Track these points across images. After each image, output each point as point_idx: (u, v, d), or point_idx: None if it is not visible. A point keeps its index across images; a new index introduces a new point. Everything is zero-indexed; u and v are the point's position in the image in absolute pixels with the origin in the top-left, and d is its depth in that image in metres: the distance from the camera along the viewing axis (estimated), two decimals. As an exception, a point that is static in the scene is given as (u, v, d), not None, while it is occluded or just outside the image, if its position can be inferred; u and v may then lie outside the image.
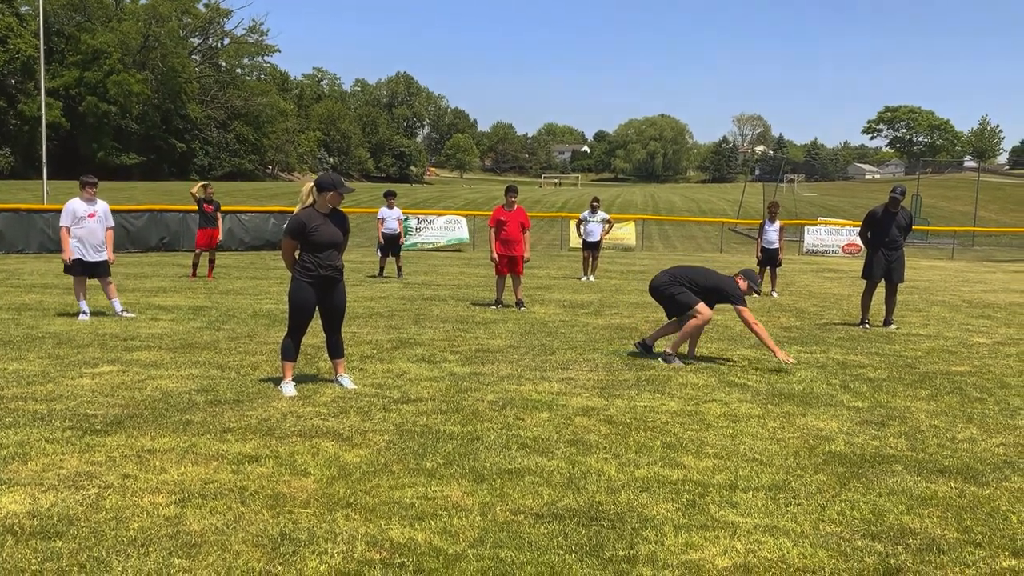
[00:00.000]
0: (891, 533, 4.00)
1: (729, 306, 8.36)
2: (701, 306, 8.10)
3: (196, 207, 15.96)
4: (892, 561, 3.69)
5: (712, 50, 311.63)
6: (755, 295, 8.55)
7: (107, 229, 10.34)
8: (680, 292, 8.18)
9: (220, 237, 15.99)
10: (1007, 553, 3.81)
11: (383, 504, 4.20)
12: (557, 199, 59.87)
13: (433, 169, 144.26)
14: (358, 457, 4.93)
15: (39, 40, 28.85)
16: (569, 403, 6.39)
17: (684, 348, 8.34)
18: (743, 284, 8.30)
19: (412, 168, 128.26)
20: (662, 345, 8.43)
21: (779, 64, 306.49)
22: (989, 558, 3.75)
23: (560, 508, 4.21)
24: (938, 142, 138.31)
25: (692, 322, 8.11)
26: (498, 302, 12.15)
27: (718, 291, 8.15)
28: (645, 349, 8.49)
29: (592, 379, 7.29)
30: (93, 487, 4.34)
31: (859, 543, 3.88)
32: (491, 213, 12.36)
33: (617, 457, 5.07)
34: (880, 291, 11.27)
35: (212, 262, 15.80)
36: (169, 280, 15.01)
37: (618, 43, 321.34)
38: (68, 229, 10.08)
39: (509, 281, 12.23)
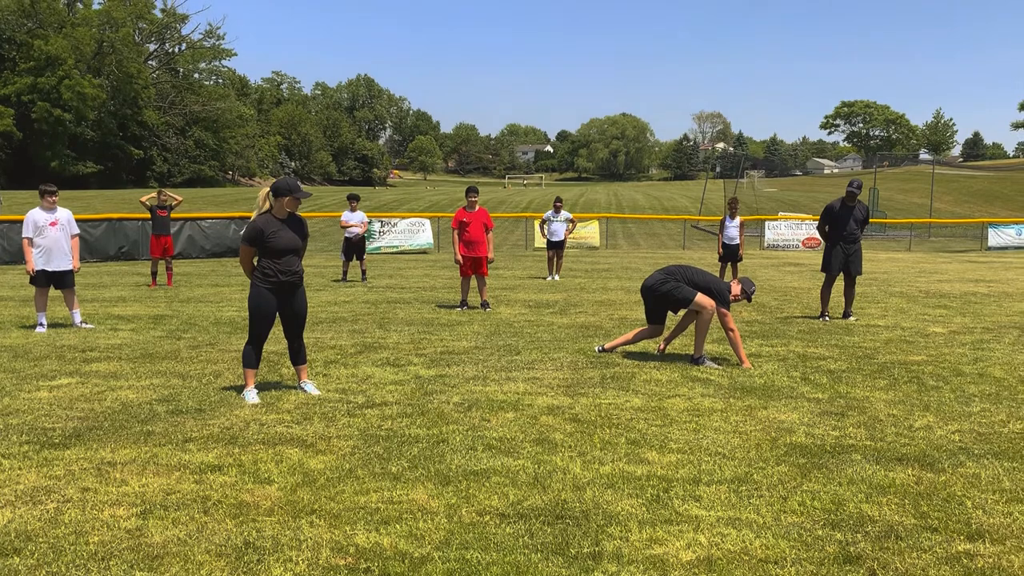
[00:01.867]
0: (851, 522, 4.08)
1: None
2: (700, 297, 8.05)
3: (149, 215, 15.76)
4: (852, 549, 3.75)
5: (671, 48, 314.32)
6: (745, 301, 8.60)
7: (72, 237, 10.17)
8: (678, 287, 8.15)
9: (173, 249, 15.78)
10: (962, 537, 3.89)
11: (348, 510, 4.18)
12: (521, 199, 59.97)
13: (396, 172, 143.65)
14: (322, 463, 4.91)
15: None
16: (535, 403, 6.41)
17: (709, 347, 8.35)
18: (736, 288, 8.33)
19: (375, 171, 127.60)
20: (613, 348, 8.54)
21: (738, 61, 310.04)
22: (945, 543, 3.83)
23: (526, 507, 4.22)
24: (894, 136, 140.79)
25: (701, 318, 8.06)
26: (463, 303, 12.14)
27: (708, 291, 8.12)
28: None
29: (557, 378, 7.32)
30: (51, 502, 4.26)
31: (820, 532, 3.94)
32: (454, 215, 12.36)
33: (582, 455, 5.10)
34: (839, 284, 11.47)
35: (169, 269, 15.61)
36: (128, 289, 14.79)
37: (578, 42, 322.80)
38: (30, 240, 9.89)
39: (474, 282, 12.23)
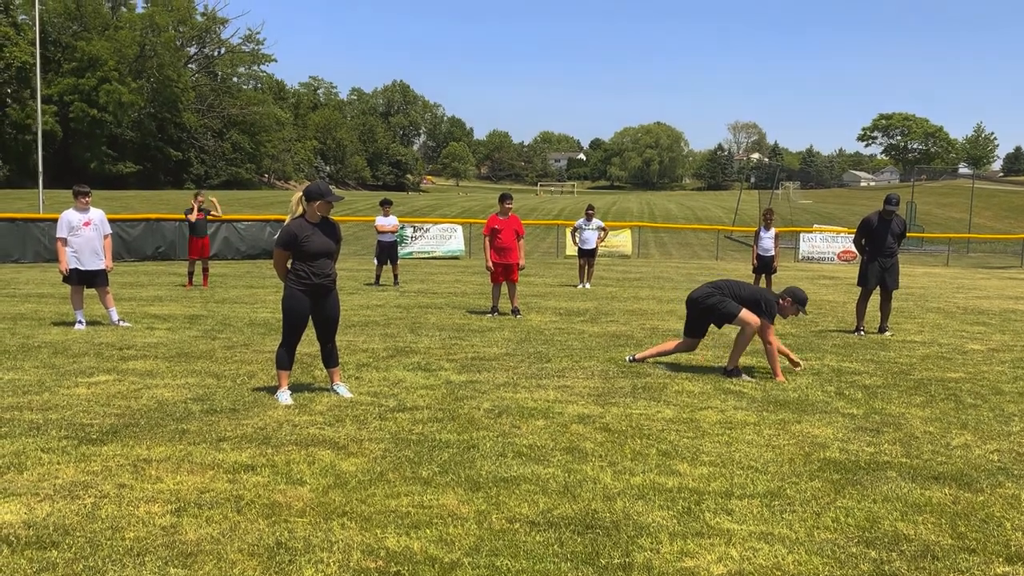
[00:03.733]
0: (886, 540, 4.01)
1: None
2: (745, 314, 7.91)
3: (184, 216, 15.97)
4: (886, 568, 3.70)
5: (707, 57, 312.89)
6: (802, 313, 8.35)
7: (105, 237, 10.35)
8: (723, 301, 8.03)
9: (211, 251, 15.94)
10: (1001, 559, 3.82)
11: (379, 513, 4.20)
12: (553, 207, 59.94)
13: (430, 177, 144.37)
14: (354, 466, 4.94)
15: (35, 48, 28.81)
16: (565, 411, 6.39)
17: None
18: (786, 303, 8.13)
19: (408, 176, 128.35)
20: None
21: (775, 72, 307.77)
22: (983, 564, 3.76)
23: (556, 516, 4.21)
24: (932, 149, 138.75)
25: (744, 333, 7.92)
26: (494, 310, 12.16)
27: (756, 303, 7.97)
28: (728, 374, 8.09)
29: (588, 387, 7.30)
30: (89, 497, 4.33)
31: (854, 550, 3.89)
32: (486, 221, 12.39)
33: (613, 465, 5.08)
34: (875, 298, 11.32)
35: (206, 271, 15.80)
36: (165, 289, 15.00)
37: (614, 51, 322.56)
38: (64, 240, 10.09)
39: (505, 289, 12.25)
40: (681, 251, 34.91)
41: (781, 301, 8.15)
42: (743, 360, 8.62)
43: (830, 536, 4.05)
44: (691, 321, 8.39)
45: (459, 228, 27.58)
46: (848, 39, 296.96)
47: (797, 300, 8.20)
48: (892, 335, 10.97)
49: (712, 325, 8.33)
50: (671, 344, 8.61)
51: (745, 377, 7.86)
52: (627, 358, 8.66)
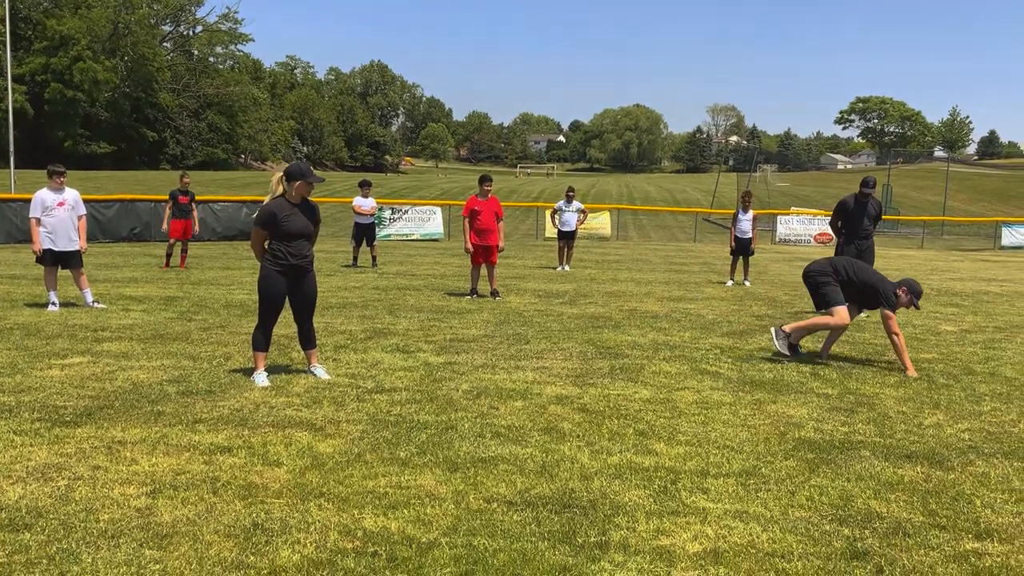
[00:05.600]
0: (859, 517, 4.07)
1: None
2: (840, 310, 7.72)
3: (168, 196, 15.82)
4: (859, 545, 3.75)
5: (686, 40, 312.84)
6: (914, 308, 8.02)
7: (79, 217, 10.20)
8: (827, 284, 7.84)
9: (197, 228, 15.86)
10: (970, 536, 3.88)
11: (356, 494, 4.20)
12: (533, 189, 59.86)
13: (408, 159, 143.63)
14: (331, 447, 4.93)
15: (5, 27, 28.25)
16: (543, 392, 6.41)
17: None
18: (902, 293, 7.78)
19: (387, 157, 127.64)
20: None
21: (753, 54, 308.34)
22: (953, 541, 3.82)
23: (533, 496, 4.23)
24: (909, 132, 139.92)
25: (824, 319, 7.90)
26: (473, 292, 12.15)
27: (873, 290, 7.74)
28: (792, 351, 8.08)
29: (566, 368, 7.32)
30: (62, 479, 4.29)
31: (827, 527, 3.94)
32: (465, 203, 12.35)
33: (590, 445, 5.10)
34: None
35: (185, 252, 15.67)
36: (141, 270, 14.85)
37: (593, 32, 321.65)
38: (38, 220, 9.94)
39: (484, 271, 12.23)
40: (660, 233, 35.01)
41: (898, 292, 7.79)
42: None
43: (804, 514, 4.10)
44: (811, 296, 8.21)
45: (438, 210, 27.46)
46: (826, 22, 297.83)
47: (913, 292, 7.82)
48: (867, 316, 11.07)
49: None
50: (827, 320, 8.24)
51: (781, 344, 7.76)
52: (772, 330, 8.23)
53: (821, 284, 7.92)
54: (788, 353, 7.93)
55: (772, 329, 8.12)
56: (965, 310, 12.15)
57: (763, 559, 3.58)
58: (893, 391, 6.77)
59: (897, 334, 7.60)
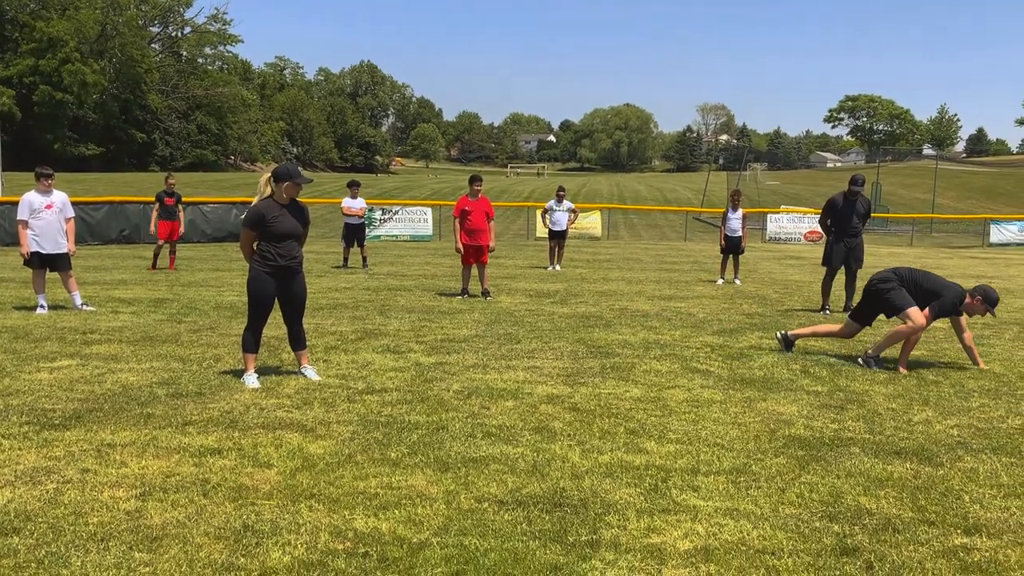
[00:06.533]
0: (848, 514, 4.08)
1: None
2: (914, 311, 7.51)
3: (154, 198, 15.79)
4: (849, 541, 3.76)
5: (676, 39, 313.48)
6: (990, 315, 7.75)
7: (67, 220, 10.15)
8: (891, 289, 7.69)
9: (182, 230, 15.81)
10: (959, 531, 3.90)
11: (347, 495, 4.19)
12: (523, 189, 59.87)
13: (399, 159, 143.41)
14: (322, 448, 4.92)
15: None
16: (534, 391, 6.41)
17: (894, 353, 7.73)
18: (975, 301, 7.55)
19: (377, 158, 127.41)
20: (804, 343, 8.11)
21: (743, 53, 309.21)
22: (942, 536, 3.84)
23: (524, 495, 4.23)
24: (898, 131, 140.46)
25: (900, 328, 7.61)
26: (464, 292, 12.14)
27: (937, 296, 7.56)
28: (786, 344, 8.15)
29: (557, 367, 7.32)
30: (51, 482, 4.27)
31: (817, 524, 3.95)
32: (456, 203, 12.34)
33: (581, 444, 5.11)
34: (840, 277, 11.45)
35: (173, 253, 15.63)
36: (130, 272, 14.79)
37: (583, 32, 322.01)
38: (25, 223, 9.89)
39: (475, 271, 12.23)
40: (650, 232, 35.07)
41: (970, 299, 7.58)
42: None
43: (794, 511, 4.11)
44: (861, 305, 8.08)
45: (428, 211, 27.44)
46: (816, 21, 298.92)
47: (988, 300, 7.55)
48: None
49: (883, 315, 7.96)
50: (834, 327, 8.34)
51: (876, 367, 7.50)
52: (777, 335, 8.44)
53: (886, 291, 7.72)
54: (875, 366, 7.54)
55: (859, 360, 7.71)
56: (954, 307, 12.20)
57: (753, 556, 3.59)
58: (882, 388, 6.80)
59: (965, 331, 7.63)
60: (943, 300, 7.55)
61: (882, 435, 5.43)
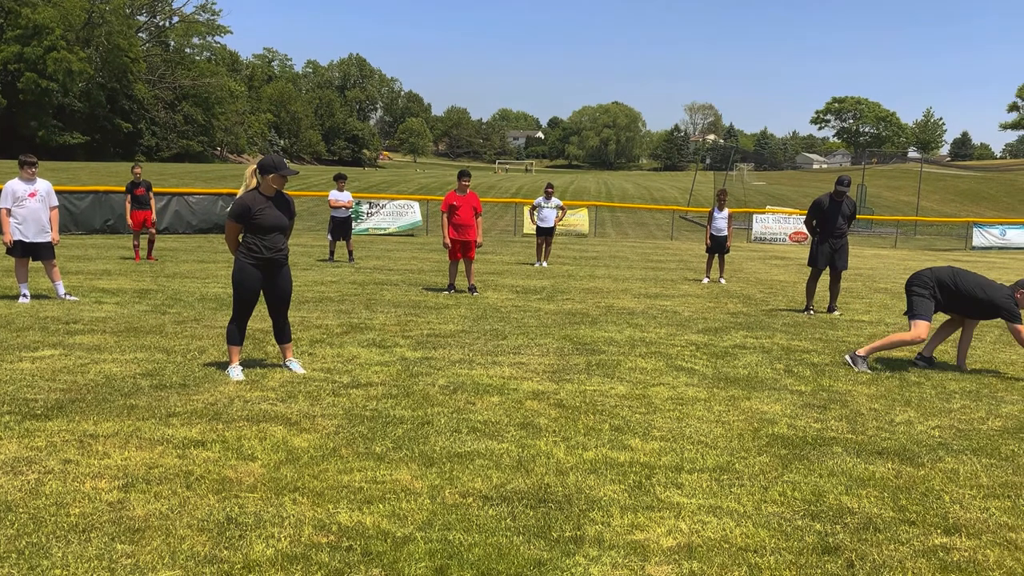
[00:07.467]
0: (830, 513, 4.11)
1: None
2: (921, 325, 7.46)
3: (125, 189, 15.72)
4: (830, 540, 3.79)
5: (665, 38, 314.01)
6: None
7: (51, 209, 10.07)
8: (920, 296, 7.58)
9: (154, 217, 15.64)
10: (939, 531, 3.94)
11: (331, 488, 4.18)
12: (511, 185, 59.83)
13: (386, 153, 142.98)
14: (306, 442, 4.90)
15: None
16: (520, 387, 6.42)
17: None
18: (1020, 296, 7.46)
19: (365, 151, 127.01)
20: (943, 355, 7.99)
21: (731, 54, 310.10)
22: (923, 536, 3.88)
23: (509, 490, 4.24)
24: (884, 133, 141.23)
25: (903, 336, 7.57)
26: (451, 287, 12.13)
27: (990, 304, 7.45)
28: (927, 362, 7.87)
29: (543, 364, 7.33)
30: (32, 472, 4.24)
31: (799, 523, 3.98)
32: (444, 198, 12.32)
33: (566, 440, 5.12)
34: (824, 278, 11.53)
35: (151, 243, 15.57)
36: (114, 263, 14.69)
37: (572, 29, 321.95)
38: (8, 211, 9.80)
39: (462, 266, 12.21)
40: (637, 231, 35.13)
41: (1017, 294, 7.48)
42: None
43: (777, 509, 4.14)
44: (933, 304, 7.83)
45: (416, 204, 27.38)
46: (804, 22, 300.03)
47: None
48: (840, 315, 11.19)
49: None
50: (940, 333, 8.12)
51: (864, 368, 7.50)
52: (916, 359, 8.02)
53: (913, 294, 7.65)
54: (870, 370, 7.54)
55: (846, 358, 7.73)
56: (937, 309, 12.30)
57: (736, 554, 3.61)
58: (865, 388, 6.84)
59: (1021, 332, 7.38)
60: (1010, 309, 7.39)
61: (864, 435, 5.47)
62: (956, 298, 7.61)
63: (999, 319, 7.61)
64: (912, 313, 7.63)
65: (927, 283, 7.68)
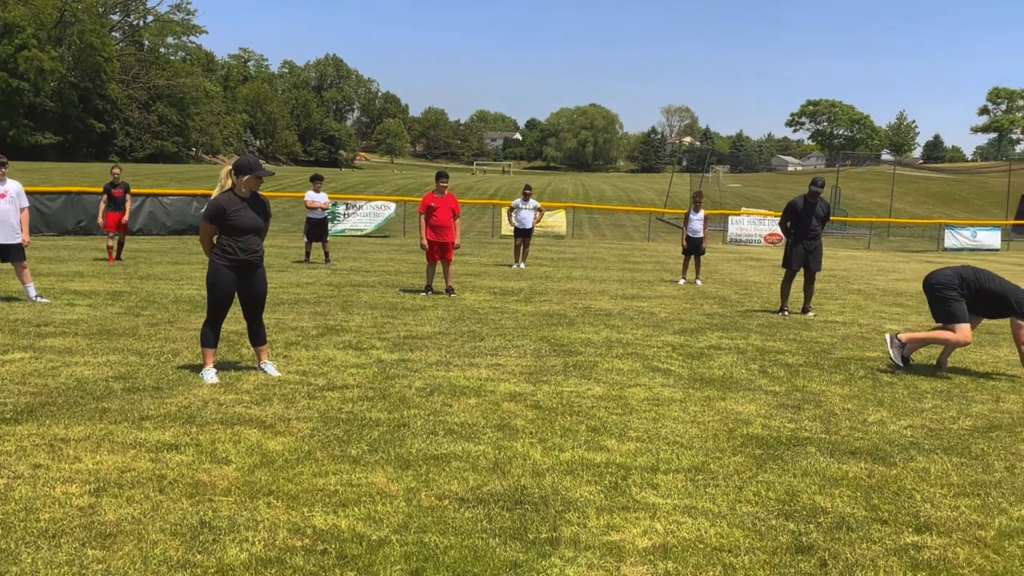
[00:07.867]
0: (804, 512, 4.15)
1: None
2: (964, 328, 7.44)
3: (102, 189, 15.56)
4: (804, 539, 3.82)
5: (642, 40, 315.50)
6: None
7: (21, 210, 9.94)
8: (953, 299, 7.51)
9: (126, 218, 15.46)
10: (911, 529, 3.98)
11: (306, 491, 4.16)
12: (489, 186, 59.81)
13: (363, 154, 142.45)
14: (281, 445, 4.87)
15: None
16: (497, 389, 6.42)
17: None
18: None
19: (342, 152, 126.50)
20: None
21: (707, 56, 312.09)
22: (894, 534, 3.92)
23: (485, 492, 4.23)
24: (858, 136, 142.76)
25: (945, 334, 7.55)
26: (428, 288, 12.11)
27: (1004, 299, 7.43)
28: (905, 364, 7.72)
29: (520, 365, 7.33)
30: (1, 477, 4.18)
31: (773, 522, 4.01)
32: (421, 199, 12.29)
33: (543, 441, 5.12)
34: (799, 279, 11.62)
35: (121, 244, 15.43)
36: (86, 264, 14.52)
37: (549, 31, 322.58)
38: (-24, 211, 9.66)
39: (439, 267, 12.20)
40: (614, 232, 35.25)
41: None
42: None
43: (751, 509, 4.16)
44: (930, 307, 7.87)
45: (392, 206, 27.29)
46: (779, 25, 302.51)
47: None
48: (815, 316, 11.28)
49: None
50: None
51: (901, 370, 7.52)
52: (887, 337, 7.89)
53: (948, 299, 7.57)
54: (900, 364, 7.59)
55: (886, 336, 7.71)
56: (909, 310, 12.45)
57: (711, 553, 3.63)
58: (839, 389, 6.91)
59: None
60: (1019, 302, 7.41)
61: (838, 435, 5.53)
62: (976, 296, 7.59)
63: (998, 319, 7.72)
64: (951, 318, 7.53)
65: (952, 283, 7.64)
